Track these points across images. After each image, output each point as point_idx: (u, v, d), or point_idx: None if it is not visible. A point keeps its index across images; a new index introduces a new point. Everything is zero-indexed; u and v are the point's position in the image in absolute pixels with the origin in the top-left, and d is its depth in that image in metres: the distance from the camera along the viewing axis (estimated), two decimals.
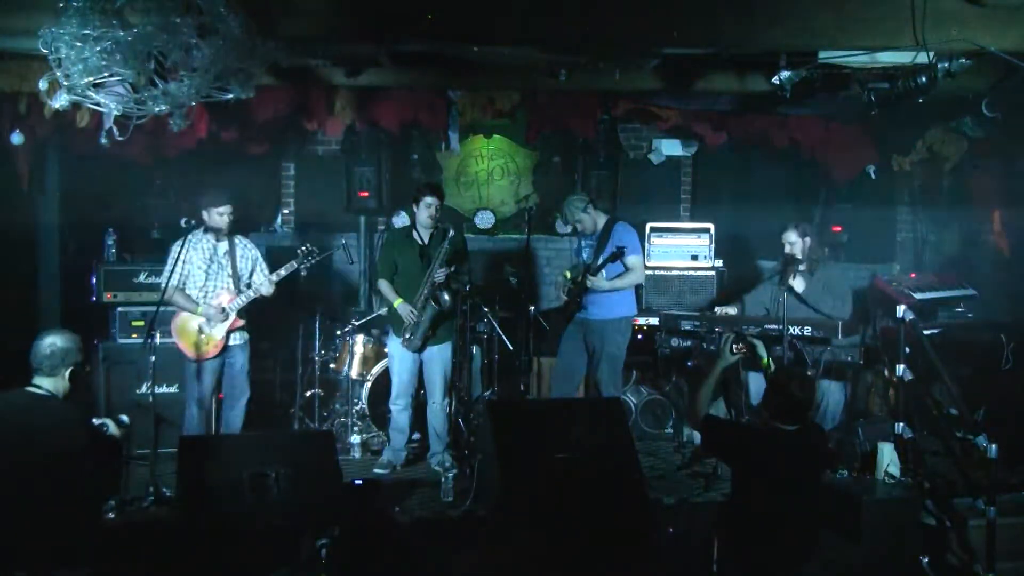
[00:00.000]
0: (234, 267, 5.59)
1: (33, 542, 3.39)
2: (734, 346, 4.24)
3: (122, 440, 3.80)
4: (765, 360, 4.36)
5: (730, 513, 3.95)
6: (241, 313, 5.55)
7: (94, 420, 3.76)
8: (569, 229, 7.13)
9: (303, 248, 5.66)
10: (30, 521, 3.39)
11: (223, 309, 5.47)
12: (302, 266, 5.62)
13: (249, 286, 5.60)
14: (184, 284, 5.48)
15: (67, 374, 3.61)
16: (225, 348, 5.55)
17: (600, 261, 5.74)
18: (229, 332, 5.53)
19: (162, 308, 5.27)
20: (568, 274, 5.96)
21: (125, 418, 3.90)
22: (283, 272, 5.59)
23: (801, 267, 5.71)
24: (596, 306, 5.81)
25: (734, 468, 3.99)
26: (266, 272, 5.66)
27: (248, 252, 5.71)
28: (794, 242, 5.69)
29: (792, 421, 3.74)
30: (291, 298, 6.02)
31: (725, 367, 4.26)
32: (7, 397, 3.61)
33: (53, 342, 3.59)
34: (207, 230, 5.51)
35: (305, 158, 7.46)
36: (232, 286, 5.57)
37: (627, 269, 5.79)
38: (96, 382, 5.89)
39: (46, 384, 3.56)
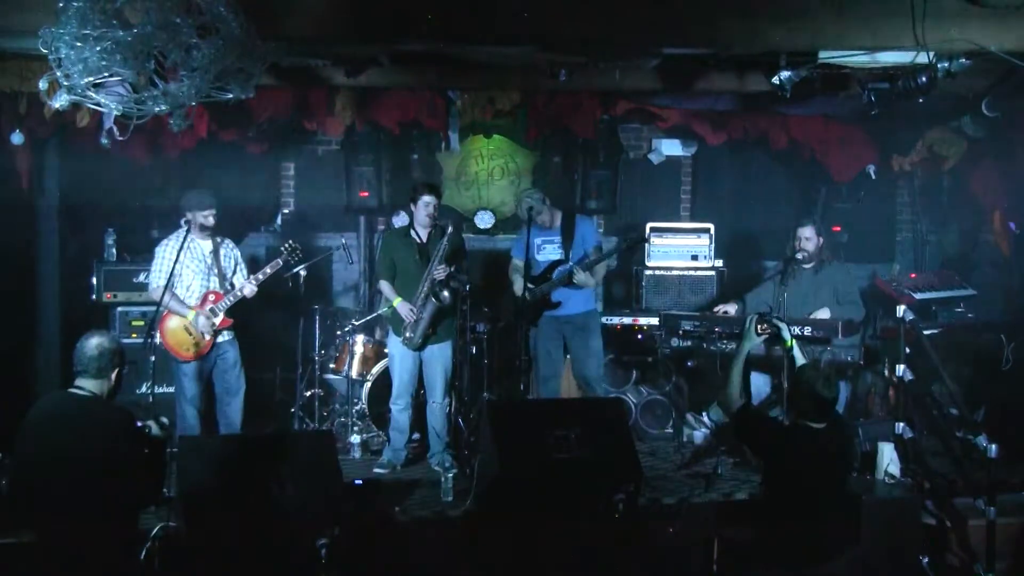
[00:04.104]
0: (219, 267, 5.62)
1: (78, 545, 3.39)
2: (759, 327, 4.24)
3: (165, 441, 3.79)
4: (789, 342, 4.36)
5: (761, 508, 3.95)
6: (229, 312, 5.57)
7: (137, 422, 3.74)
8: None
9: (287, 245, 5.69)
10: (76, 523, 3.39)
11: (211, 309, 5.49)
12: (287, 263, 5.64)
13: (233, 286, 5.62)
14: (173, 284, 5.48)
15: (114, 375, 3.59)
16: (214, 346, 5.56)
17: (592, 258, 5.82)
18: (217, 331, 5.55)
19: (162, 308, 5.29)
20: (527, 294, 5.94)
21: (165, 419, 3.89)
22: (268, 271, 5.62)
23: (807, 265, 5.72)
24: (572, 301, 5.87)
25: (765, 463, 4.01)
26: (245, 273, 5.72)
27: (230, 252, 5.77)
28: (809, 237, 5.70)
29: (820, 419, 3.75)
30: (293, 297, 6.04)
31: (751, 347, 4.27)
32: (52, 400, 3.61)
33: (100, 343, 3.55)
34: (201, 228, 5.53)
35: (305, 158, 7.45)
36: (219, 286, 5.60)
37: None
38: None
39: (90, 386, 3.52)
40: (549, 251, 5.99)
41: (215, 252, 5.65)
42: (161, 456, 3.78)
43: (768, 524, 3.88)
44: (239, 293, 5.57)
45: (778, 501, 3.83)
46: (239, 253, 5.84)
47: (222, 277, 5.64)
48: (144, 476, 3.58)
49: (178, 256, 5.42)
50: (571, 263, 5.85)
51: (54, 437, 3.42)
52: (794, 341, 4.38)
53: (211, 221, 5.56)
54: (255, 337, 6.04)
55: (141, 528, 4.08)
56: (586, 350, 5.93)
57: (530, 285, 5.91)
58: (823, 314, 5.53)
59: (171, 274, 5.41)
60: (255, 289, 5.60)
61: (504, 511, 4.54)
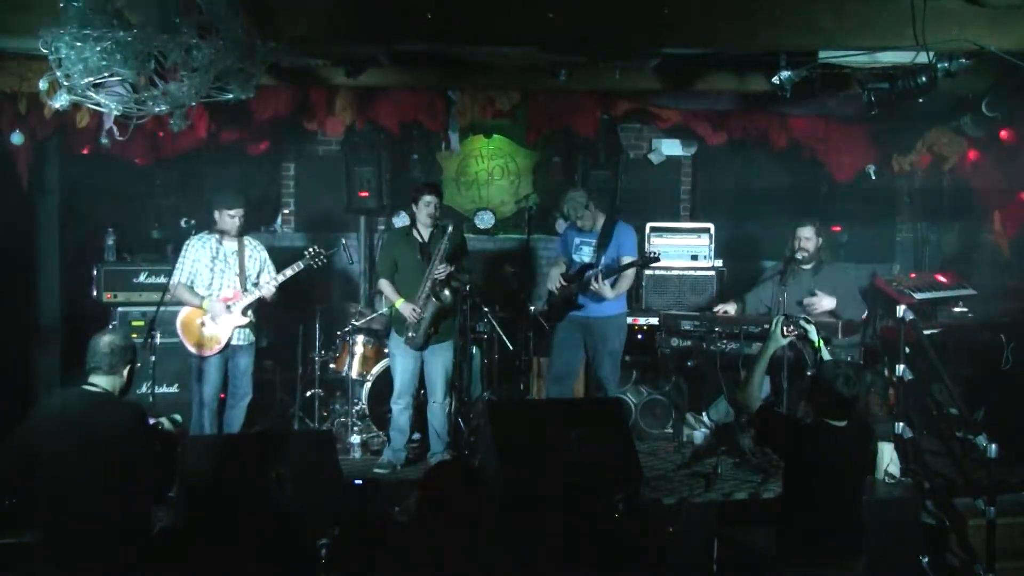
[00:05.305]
0: (242, 266, 5.64)
1: (91, 542, 3.41)
2: (785, 328, 4.21)
3: (177, 438, 3.81)
4: (817, 343, 4.34)
5: (781, 507, 3.94)
6: (246, 311, 5.58)
7: (149, 419, 3.77)
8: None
9: (311, 249, 5.69)
10: (89, 520, 3.41)
11: (227, 306, 5.51)
12: (308, 268, 5.66)
13: (256, 285, 5.64)
14: (192, 282, 5.54)
15: (126, 372, 3.64)
16: (228, 346, 5.57)
17: (610, 267, 5.76)
18: (234, 330, 5.56)
19: (163, 308, 5.31)
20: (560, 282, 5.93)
21: (178, 417, 3.93)
22: (289, 272, 5.64)
23: (806, 266, 5.72)
24: (596, 304, 5.82)
25: (784, 463, 3.99)
26: (273, 273, 5.71)
27: (257, 253, 5.77)
28: (809, 237, 5.70)
29: (840, 417, 3.75)
30: (293, 298, 6.04)
31: (776, 349, 4.25)
32: (66, 396, 3.66)
33: (112, 340, 3.61)
34: (212, 231, 5.56)
35: (305, 158, 7.46)
36: (239, 285, 5.61)
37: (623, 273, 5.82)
38: None
39: (103, 383, 3.57)
40: (585, 252, 5.93)
41: (240, 252, 5.66)
42: (173, 453, 3.81)
43: (785, 523, 3.87)
44: (257, 293, 5.59)
45: (796, 500, 3.82)
46: (266, 255, 5.83)
47: (245, 276, 5.65)
48: (156, 472, 3.61)
49: (197, 255, 5.50)
50: (598, 269, 5.80)
51: (67, 433, 3.45)
52: (822, 342, 4.36)
53: (236, 221, 5.58)
54: (255, 337, 6.03)
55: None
56: (604, 352, 5.87)
57: (563, 283, 5.91)
58: (828, 303, 5.54)
59: (189, 272, 5.50)
60: (273, 291, 5.62)
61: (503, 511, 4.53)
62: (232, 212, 5.55)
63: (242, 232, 5.68)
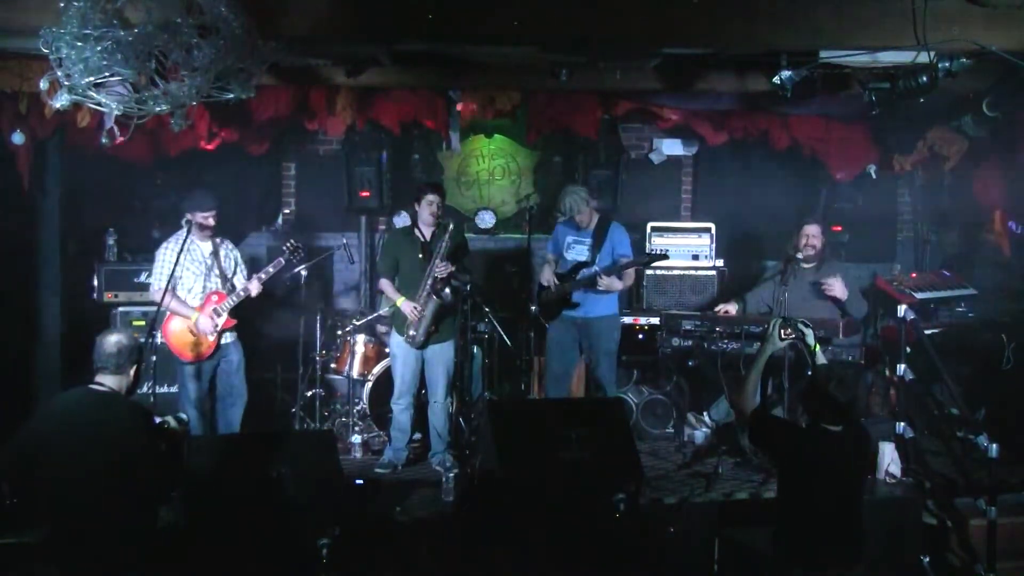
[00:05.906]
0: (220, 268, 5.64)
1: (92, 542, 3.42)
2: (782, 331, 4.20)
3: (182, 437, 3.82)
4: (813, 346, 4.33)
5: (779, 512, 3.93)
6: (232, 313, 5.58)
7: (155, 418, 3.78)
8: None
9: (288, 244, 5.71)
10: (91, 520, 3.42)
11: (216, 310, 5.50)
12: (289, 263, 5.66)
13: (234, 287, 5.64)
14: (175, 286, 5.50)
15: (132, 372, 3.67)
16: (218, 348, 5.57)
17: (608, 267, 5.77)
18: (221, 332, 5.56)
19: (163, 308, 5.30)
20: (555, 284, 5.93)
21: (184, 415, 3.93)
22: (271, 270, 5.65)
23: (807, 265, 5.71)
24: (591, 304, 5.83)
25: (780, 467, 3.98)
26: (245, 273, 5.74)
27: (230, 253, 5.80)
28: (816, 235, 5.71)
29: (835, 422, 3.74)
30: (294, 298, 6.04)
31: (773, 352, 4.24)
32: (72, 395, 3.66)
33: (119, 340, 3.63)
34: (201, 229, 5.55)
35: (305, 158, 7.46)
36: (221, 286, 5.61)
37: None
38: None
39: (109, 382, 3.60)
40: (577, 251, 5.94)
41: (215, 253, 5.67)
42: (179, 451, 3.81)
43: (783, 528, 3.86)
44: (242, 293, 5.59)
45: (794, 504, 3.81)
46: (239, 254, 5.87)
47: (223, 278, 5.66)
48: (160, 472, 3.62)
49: (178, 258, 5.44)
50: (595, 267, 5.81)
51: (69, 432, 3.46)
52: (818, 345, 4.35)
53: (211, 222, 5.58)
54: (256, 337, 6.03)
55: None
56: (600, 352, 5.88)
57: (556, 281, 5.90)
58: (840, 289, 5.54)
59: (172, 276, 5.43)
60: (260, 288, 5.62)
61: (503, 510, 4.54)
62: (207, 214, 5.54)
63: (215, 232, 5.68)
